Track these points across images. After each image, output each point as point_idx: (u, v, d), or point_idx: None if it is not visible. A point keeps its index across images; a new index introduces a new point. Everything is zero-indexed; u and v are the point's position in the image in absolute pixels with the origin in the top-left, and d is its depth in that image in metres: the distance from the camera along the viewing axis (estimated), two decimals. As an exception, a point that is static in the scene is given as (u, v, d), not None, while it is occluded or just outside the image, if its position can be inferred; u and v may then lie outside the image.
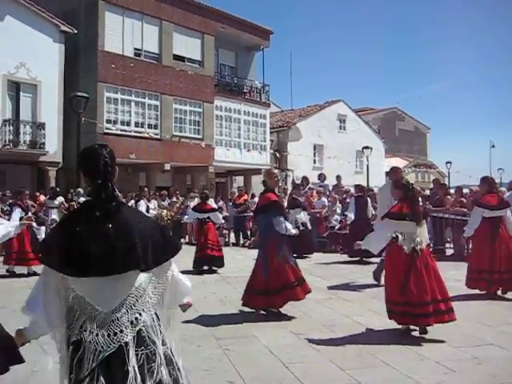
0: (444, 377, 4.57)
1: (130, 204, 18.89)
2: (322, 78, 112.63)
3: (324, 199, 16.19)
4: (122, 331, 2.38)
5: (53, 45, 22.43)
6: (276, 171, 7.17)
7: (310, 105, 38.92)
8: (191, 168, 26.74)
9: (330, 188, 17.83)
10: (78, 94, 18.87)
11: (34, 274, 10.54)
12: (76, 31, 22.92)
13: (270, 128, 31.86)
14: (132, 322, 2.41)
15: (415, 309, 5.63)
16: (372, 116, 49.09)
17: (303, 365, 4.93)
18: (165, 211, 18.69)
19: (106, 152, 2.63)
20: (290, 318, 6.78)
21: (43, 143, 21.75)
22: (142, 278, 2.49)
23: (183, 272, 2.84)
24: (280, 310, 6.95)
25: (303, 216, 13.50)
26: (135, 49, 24.79)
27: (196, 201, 15.50)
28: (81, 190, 17.90)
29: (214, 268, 11.46)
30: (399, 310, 5.78)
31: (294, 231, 7.10)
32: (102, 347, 2.33)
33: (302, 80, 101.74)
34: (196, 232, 11.89)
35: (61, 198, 17.14)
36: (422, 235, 5.91)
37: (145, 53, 25.13)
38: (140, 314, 2.44)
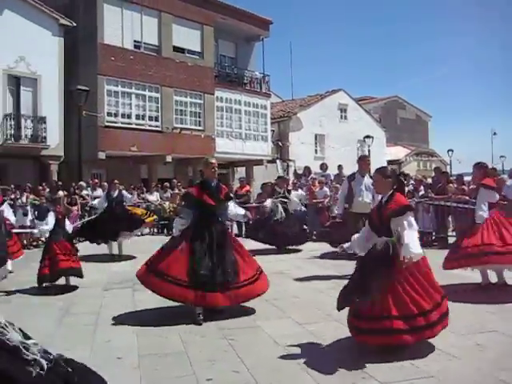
0: (447, 363, 4.60)
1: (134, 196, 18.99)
2: (322, 68, 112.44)
3: (326, 189, 16.19)
4: None
5: (52, 38, 22.41)
6: (214, 161, 6.86)
7: (310, 94, 38.89)
8: (193, 160, 26.76)
9: (332, 178, 17.83)
10: (79, 87, 18.92)
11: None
12: (75, 24, 22.90)
13: (271, 118, 31.83)
14: None
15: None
16: (373, 105, 48.96)
17: (308, 354, 4.95)
18: (167, 203, 18.75)
19: None
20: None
21: (44, 137, 21.77)
22: None
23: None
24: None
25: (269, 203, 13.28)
26: (135, 41, 24.74)
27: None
28: (83, 184, 17.98)
29: None
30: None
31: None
32: None
33: (303, 70, 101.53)
34: None
35: (61, 193, 17.16)
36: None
37: (144, 45, 25.08)
38: None
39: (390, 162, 40.07)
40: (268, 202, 13.12)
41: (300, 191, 14.67)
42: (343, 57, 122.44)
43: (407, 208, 4.95)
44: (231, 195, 7.04)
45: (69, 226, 9.27)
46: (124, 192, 13.07)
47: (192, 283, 6.13)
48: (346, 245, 5.48)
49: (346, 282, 5.22)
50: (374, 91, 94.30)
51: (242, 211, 7.19)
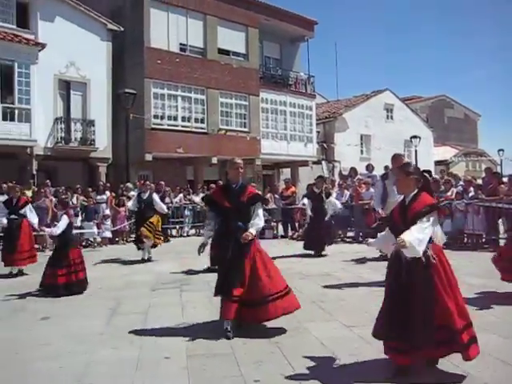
0: (498, 370, 4.47)
1: (177, 199, 19.20)
2: (367, 68, 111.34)
3: (372, 190, 15.97)
4: None
5: (100, 43, 22.90)
6: (239, 161, 6.29)
7: (356, 95, 38.57)
8: (239, 161, 26.81)
9: (378, 178, 17.58)
10: (126, 90, 19.23)
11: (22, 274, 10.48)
12: (122, 29, 23.30)
13: (316, 119, 31.68)
14: None
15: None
16: (420, 104, 48.21)
17: (355, 358, 4.89)
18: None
19: None
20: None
21: (93, 140, 22.23)
22: None
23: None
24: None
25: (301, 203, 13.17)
26: (180, 44, 25.01)
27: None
28: (130, 185, 18.26)
29: None
30: None
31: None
32: None
33: (348, 70, 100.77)
34: None
35: (108, 193, 17.48)
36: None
37: (190, 48, 25.33)
38: None
39: (437, 163, 39.37)
40: (305, 202, 13.10)
41: (332, 198, 13.67)
42: (389, 56, 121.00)
43: (433, 207, 4.50)
44: (258, 198, 6.42)
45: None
46: (154, 195, 12.87)
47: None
48: (371, 240, 5.15)
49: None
50: (420, 90, 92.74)
51: (260, 223, 6.31)
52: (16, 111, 19.83)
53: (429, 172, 5.03)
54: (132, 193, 17.96)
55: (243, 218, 6.02)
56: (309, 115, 30.41)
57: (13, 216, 10.42)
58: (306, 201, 13.36)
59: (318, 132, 32.69)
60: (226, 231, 6.01)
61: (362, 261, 11.50)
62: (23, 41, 20.16)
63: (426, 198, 4.55)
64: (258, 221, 6.12)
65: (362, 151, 35.17)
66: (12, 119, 19.70)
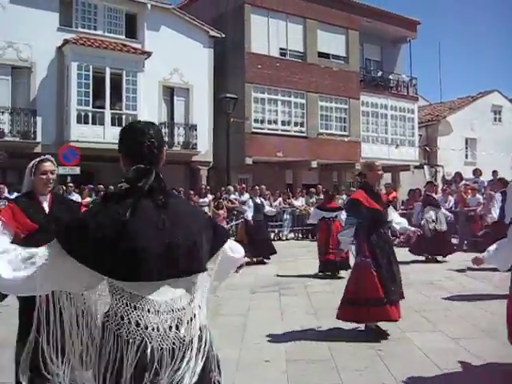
0: None
1: (277, 202, 19.29)
2: (473, 68, 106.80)
3: (479, 196, 15.30)
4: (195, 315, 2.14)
5: (203, 50, 23.51)
6: (379, 163, 6.19)
7: (460, 97, 37.06)
8: (337, 165, 26.64)
9: (486, 184, 16.81)
10: (227, 95, 19.56)
11: None
12: (224, 35, 23.79)
13: (419, 122, 30.81)
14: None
15: None
16: (532, 105, 45.62)
17: (460, 371, 4.67)
18: (312, 208, 18.76)
19: (153, 131, 2.29)
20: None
21: (195, 144, 22.84)
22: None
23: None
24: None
25: (433, 214, 12.64)
26: (280, 48, 25.17)
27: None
28: (231, 188, 18.59)
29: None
30: None
31: None
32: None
33: (452, 71, 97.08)
34: (322, 232, 10.91)
35: (210, 196, 17.86)
36: None
37: (290, 52, 25.43)
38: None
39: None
40: (431, 215, 12.62)
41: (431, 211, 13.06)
42: (497, 55, 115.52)
43: None
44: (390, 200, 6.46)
45: None
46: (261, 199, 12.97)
47: (387, 299, 5.77)
48: (482, 255, 4.65)
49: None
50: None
51: (406, 223, 6.49)
52: (123, 117, 20.74)
53: None
54: (232, 196, 18.28)
55: (387, 221, 6.16)
56: (411, 118, 29.65)
57: None
58: (432, 214, 12.75)
59: (420, 135, 31.77)
60: (377, 235, 5.93)
61: (466, 270, 11.04)
62: (131, 50, 21.07)
63: None
64: (403, 220, 6.44)
65: (466, 155, 33.77)
66: (120, 124, 20.60)
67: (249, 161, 23.50)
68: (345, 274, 10.29)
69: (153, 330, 2.01)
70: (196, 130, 22.89)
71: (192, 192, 18.19)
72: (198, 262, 2.15)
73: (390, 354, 5.20)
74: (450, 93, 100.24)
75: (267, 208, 13.82)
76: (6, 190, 14.60)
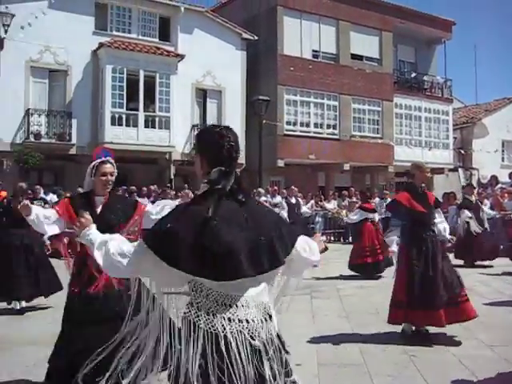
0: None
1: (309, 205, 19.22)
2: (510, 69, 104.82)
3: (516, 199, 14.98)
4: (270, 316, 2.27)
5: (235, 52, 23.59)
6: (425, 164, 6.28)
7: (497, 98, 36.40)
8: (370, 168, 26.43)
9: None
10: (260, 97, 19.56)
11: None
12: (257, 37, 23.82)
13: (453, 125, 30.37)
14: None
15: None
16: None
17: (495, 378, 4.56)
18: (344, 211, 18.68)
19: (232, 135, 2.39)
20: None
21: (228, 146, 22.88)
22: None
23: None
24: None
25: (468, 214, 12.37)
26: (313, 50, 25.10)
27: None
28: (261, 190, 18.56)
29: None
30: None
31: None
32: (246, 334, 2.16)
33: (488, 72, 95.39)
34: (368, 233, 10.83)
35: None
36: None
37: (322, 54, 25.34)
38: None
39: None
40: (464, 217, 12.38)
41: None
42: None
43: None
44: (439, 202, 6.28)
45: None
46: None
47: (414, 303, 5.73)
48: None
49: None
50: None
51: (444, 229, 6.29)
52: (157, 119, 20.97)
53: None
54: (263, 198, 18.26)
55: (432, 223, 6.06)
56: (445, 120, 29.25)
57: None
58: (467, 213, 12.51)
59: (455, 138, 31.31)
60: (419, 237, 5.89)
61: (501, 275, 10.83)
62: (164, 53, 21.28)
63: None
64: (446, 225, 6.32)
65: (502, 158, 33.13)
66: (153, 126, 20.85)
67: (281, 163, 23.47)
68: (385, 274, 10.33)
69: (246, 322, 2.16)
70: (228, 132, 22.94)
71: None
72: (277, 257, 2.25)
73: (423, 360, 5.12)
74: (486, 94, 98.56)
75: (304, 208, 13.76)
76: (42, 191, 14.84)
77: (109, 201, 4.26)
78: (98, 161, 4.30)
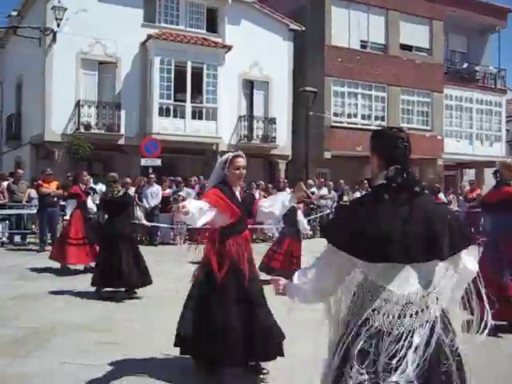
0: None
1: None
2: None
3: None
4: (428, 307, 2.36)
5: (282, 43, 23.48)
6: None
7: (553, 89, 35.25)
8: (419, 160, 25.93)
9: None
10: (307, 88, 19.42)
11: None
12: (304, 28, 23.63)
13: (507, 116, 29.52)
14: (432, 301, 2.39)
15: None
16: None
17: (497, 379, 4.40)
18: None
19: (405, 136, 2.62)
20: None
21: (274, 137, 22.87)
22: (438, 266, 2.44)
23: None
24: None
25: None
26: (361, 41, 24.76)
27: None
28: (311, 182, 18.39)
29: None
30: None
31: None
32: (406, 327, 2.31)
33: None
34: None
35: (288, 190, 17.78)
36: None
37: (371, 44, 24.97)
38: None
39: None
40: None
41: None
42: None
43: None
44: None
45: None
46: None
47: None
48: None
49: None
50: None
51: None
52: (204, 110, 21.09)
53: None
54: (313, 189, 18.18)
55: None
56: (498, 112, 28.42)
57: None
58: None
59: (508, 130, 30.44)
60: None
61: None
62: (212, 44, 21.35)
63: None
64: None
65: (559, 152, 32.11)
66: (200, 118, 20.97)
67: (327, 155, 23.30)
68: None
69: (398, 317, 2.32)
70: (275, 123, 22.91)
71: (270, 185, 18.20)
72: (437, 251, 2.35)
73: (474, 359, 4.96)
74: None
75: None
76: (92, 181, 15.11)
77: (241, 192, 4.67)
78: (231, 155, 4.49)
